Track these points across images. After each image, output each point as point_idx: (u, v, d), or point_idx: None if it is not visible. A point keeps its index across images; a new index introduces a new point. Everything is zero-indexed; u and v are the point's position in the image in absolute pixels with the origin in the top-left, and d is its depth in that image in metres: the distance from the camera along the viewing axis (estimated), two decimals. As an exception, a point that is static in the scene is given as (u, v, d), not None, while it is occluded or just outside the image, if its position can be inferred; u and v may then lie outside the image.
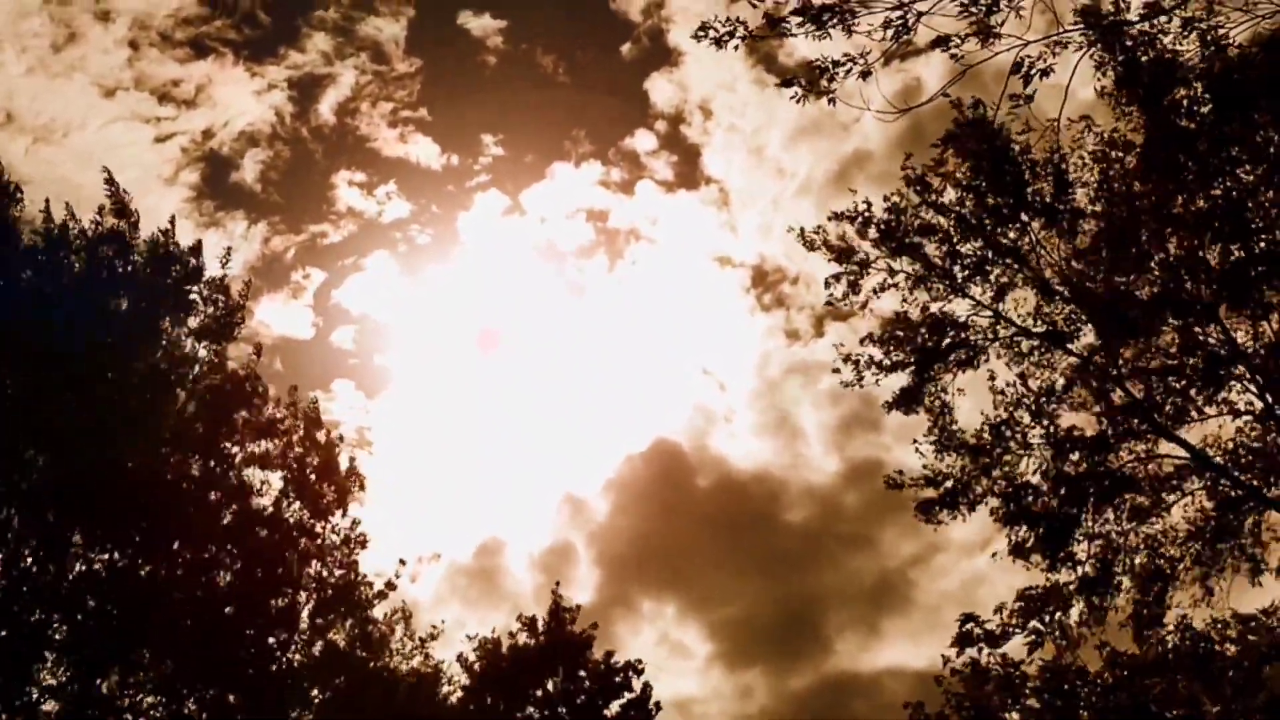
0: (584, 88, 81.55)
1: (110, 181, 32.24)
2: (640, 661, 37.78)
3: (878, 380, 34.40)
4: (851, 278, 34.54)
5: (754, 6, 23.19)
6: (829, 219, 34.78)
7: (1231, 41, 27.85)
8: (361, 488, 34.81)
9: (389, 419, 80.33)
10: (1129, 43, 29.64)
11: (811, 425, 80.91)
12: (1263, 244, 30.87)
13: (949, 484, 33.72)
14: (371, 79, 77.14)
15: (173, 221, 32.37)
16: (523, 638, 36.96)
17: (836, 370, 34.76)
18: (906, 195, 34.17)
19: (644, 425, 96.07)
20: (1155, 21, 27.16)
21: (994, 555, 33.28)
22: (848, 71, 22.83)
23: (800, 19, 22.50)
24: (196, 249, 32.74)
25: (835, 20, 23.28)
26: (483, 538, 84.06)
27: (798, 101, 22.85)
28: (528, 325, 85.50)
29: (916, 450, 34.08)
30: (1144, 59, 30.11)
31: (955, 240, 33.90)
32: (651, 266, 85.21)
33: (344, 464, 34.68)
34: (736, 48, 23.19)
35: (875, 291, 34.55)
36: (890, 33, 23.38)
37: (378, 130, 78.10)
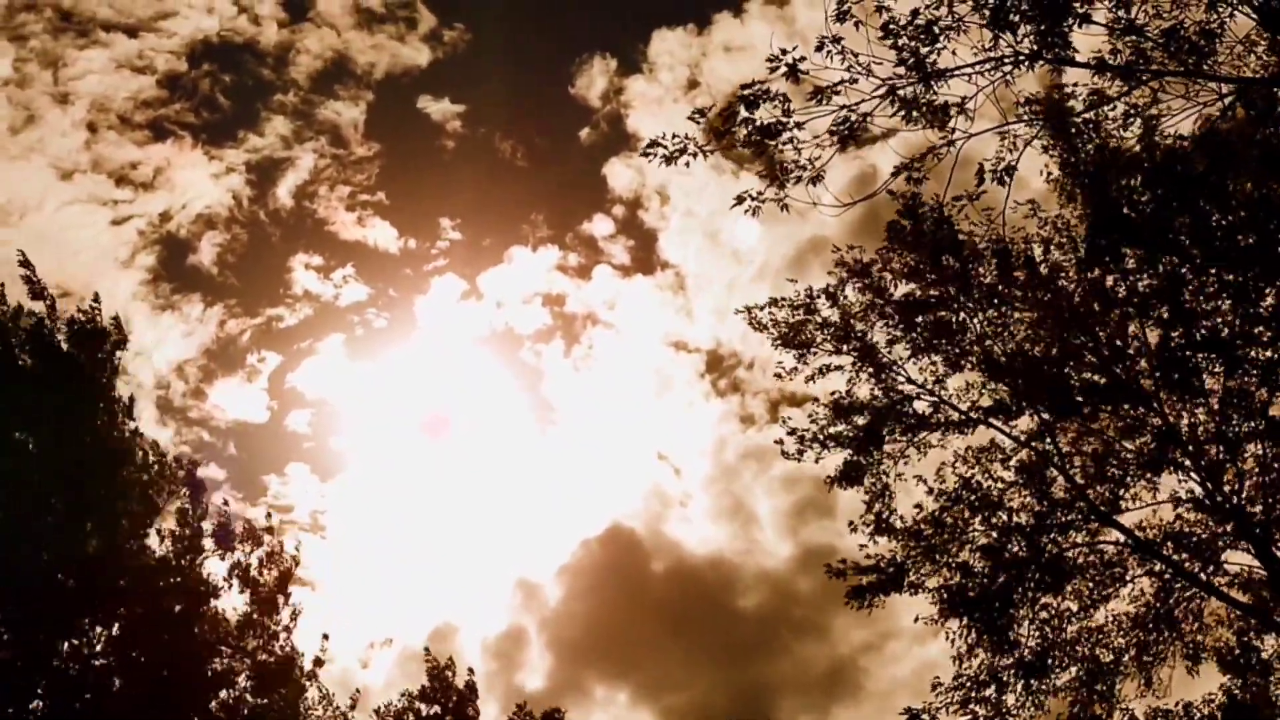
0: (542, 172, 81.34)
1: (25, 264, 30.94)
2: (558, 712, 36.06)
3: (818, 458, 33.79)
4: (798, 358, 34.08)
5: (696, 123, 23.51)
6: (770, 304, 34.30)
7: (1170, 133, 27.95)
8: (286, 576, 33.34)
9: (343, 503, 78.76)
10: (1073, 131, 29.07)
11: (766, 510, 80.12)
12: (1203, 330, 30.27)
13: (888, 569, 32.58)
14: (330, 162, 76.43)
15: (97, 299, 31.21)
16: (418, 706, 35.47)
17: (780, 442, 34.17)
18: (845, 284, 33.82)
19: (599, 510, 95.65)
20: (1099, 111, 27.02)
21: (950, 642, 32.22)
22: (797, 180, 23.22)
23: (746, 134, 23.02)
24: (118, 322, 31.48)
25: (780, 138, 23.63)
26: (435, 623, 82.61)
27: (750, 214, 23.09)
28: (484, 409, 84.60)
29: (852, 530, 33.29)
30: (1087, 148, 29.85)
31: (897, 326, 33.50)
32: (608, 351, 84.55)
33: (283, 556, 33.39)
34: (687, 164, 23.25)
35: (820, 372, 34.07)
36: (836, 137, 23.71)
37: (335, 213, 77.16)
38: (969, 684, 31.74)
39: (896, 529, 33.05)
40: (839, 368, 33.90)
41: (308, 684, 32.38)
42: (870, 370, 33.72)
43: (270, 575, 32.83)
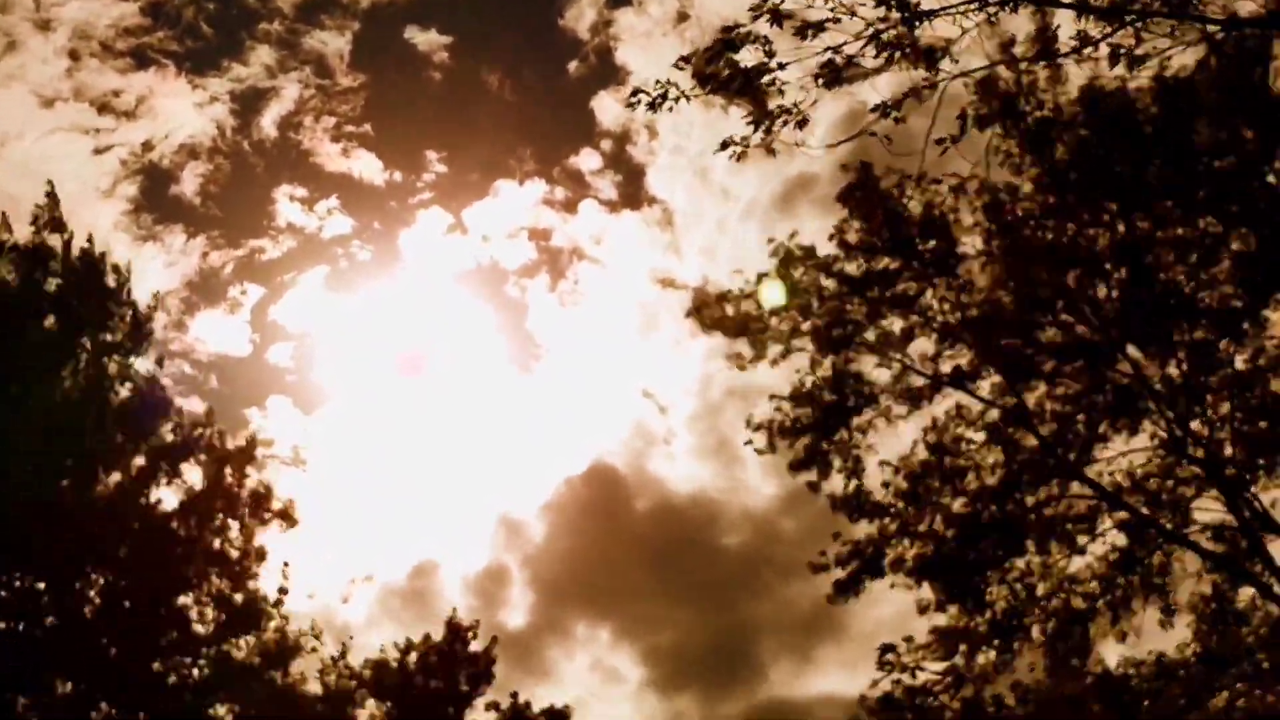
0: (530, 105, 79.86)
1: (51, 195, 30.30)
2: (568, 708, 35.08)
3: (790, 444, 32.75)
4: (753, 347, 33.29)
5: (680, 70, 23.03)
6: (719, 298, 33.44)
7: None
8: (289, 519, 32.11)
9: (325, 437, 77.14)
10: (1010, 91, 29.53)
11: (750, 449, 78.59)
12: (1163, 284, 30.02)
13: (867, 550, 31.97)
14: (315, 93, 74.65)
15: (90, 240, 30.41)
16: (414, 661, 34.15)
17: (749, 443, 33.28)
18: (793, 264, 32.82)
19: (583, 447, 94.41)
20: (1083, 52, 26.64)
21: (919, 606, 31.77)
22: (784, 124, 22.50)
23: (729, 76, 22.32)
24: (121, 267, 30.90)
25: (763, 79, 22.91)
26: (417, 559, 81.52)
27: (735, 159, 21.66)
28: (468, 344, 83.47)
29: (833, 506, 32.35)
30: (1030, 109, 29.89)
31: (852, 296, 32.58)
32: (594, 286, 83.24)
33: (258, 487, 32.15)
34: (670, 109, 21.90)
35: (777, 358, 33.25)
36: (820, 82, 22.99)
37: (320, 145, 75.54)
38: (946, 639, 31.27)
39: (871, 507, 32.24)
40: (798, 349, 32.99)
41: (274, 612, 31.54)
42: (830, 349, 32.66)
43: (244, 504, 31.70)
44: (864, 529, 32.35)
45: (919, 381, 32.44)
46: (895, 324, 32.58)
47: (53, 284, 29.92)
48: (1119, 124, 29.25)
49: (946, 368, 32.23)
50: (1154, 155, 29.30)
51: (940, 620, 31.29)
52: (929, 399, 32.66)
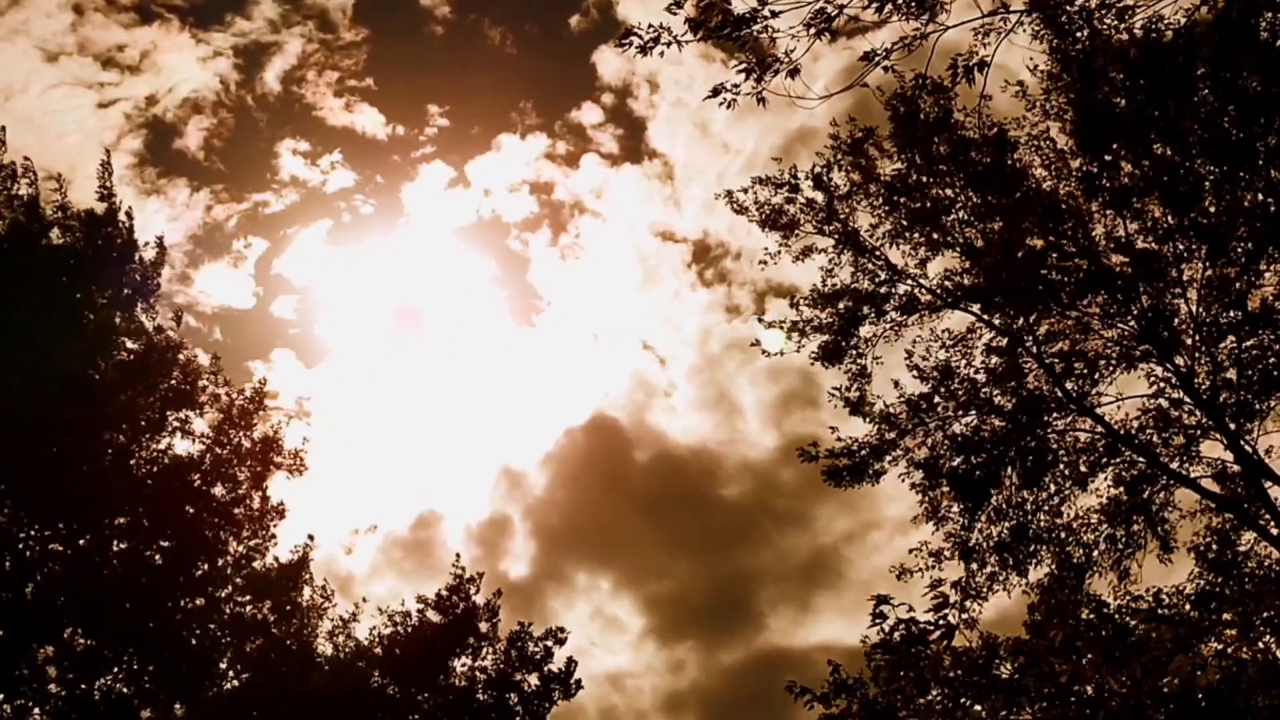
0: (531, 59, 79.62)
1: (106, 167, 30.42)
2: (562, 630, 35.22)
3: (800, 347, 32.96)
4: (782, 241, 33.09)
5: (673, 14, 22.42)
6: (755, 183, 33.14)
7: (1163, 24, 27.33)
8: (297, 468, 32.36)
9: (329, 389, 78.36)
10: (1063, 19, 28.44)
11: (750, 401, 79.24)
12: (1188, 218, 29.34)
13: (862, 452, 32.03)
14: (318, 47, 74.68)
15: (110, 182, 30.59)
16: (429, 614, 34.74)
17: (756, 343, 33.46)
18: (837, 160, 32.55)
19: (584, 399, 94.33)
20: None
21: (912, 551, 31.63)
22: (775, 73, 21.91)
23: (723, 29, 21.69)
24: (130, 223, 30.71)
25: (755, 27, 22.43)
26: (420, 510, 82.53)
27: (725, 106, 22.18)
28: (471, 296, 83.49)
29: (832, 398, 32.55)
30: (1077, 34, 28.92)
31: (882, 207, 32.41)
32: (595, 239, 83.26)
33: (266, 435, 32.27)
34: (662, 54, 21.82)
35: (803, 254, 33.17)
36: (811, 31, 22.51)
37: (323, 99, 75.64)
38: (942, 550, 31.55)
39: (872, 412, 32.35)
40: (822, 250, 33.03)
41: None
42: (851, 253, 32.75)
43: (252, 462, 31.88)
44: (861, 430, 32.44)
45: (933, 298, 32.34)
46: (920, 236, 32.30)
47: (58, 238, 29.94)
48: (1153, 64, 28.24)
49: (966, 282, 31.94)
50: (1182, 95, 28.53)
51: (934, 541, 31.53)
52: (941, 314, 32.52)
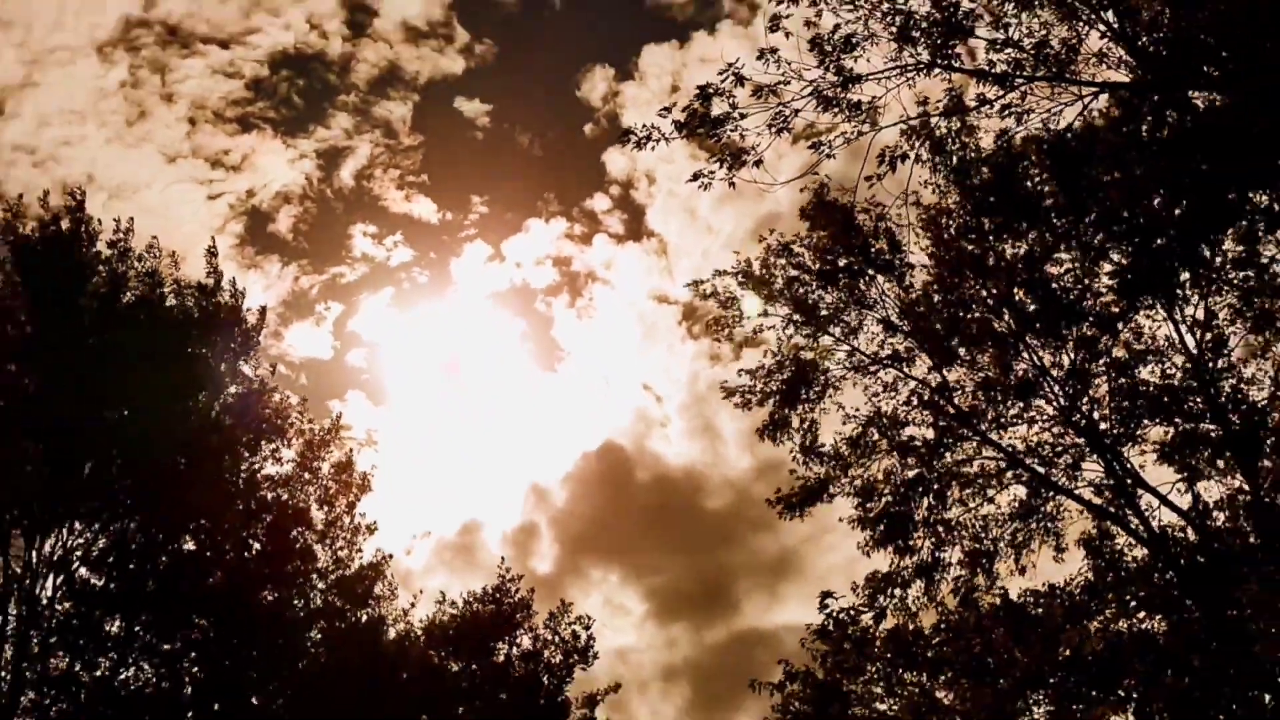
0: (553, 159, 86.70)
1: (212, 251, 34.74)
2: (588, 617, 38.29)
3: (756, 405, 36.01)
4: (731, 320, 36.25)
5: (662, 116, 25.99)
6: (714, 275, 36.15)
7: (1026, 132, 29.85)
8: (365, 486, 36.51)
9: (392, 423, 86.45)
10: (941, 134, 30.73)
11: (730, 431, 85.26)
12: (1056, 289, 32.73)
13: (811, 484, 34.82)
14: (383, 150, 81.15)
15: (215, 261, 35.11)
16: (476, 606, 38.30)
17: (729, 395, 36.23)
18: (772, 260, 35.76)
19: (596, 429, 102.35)
20: (981, 110, 29.32)
21: (861, 548, 34.48)
22: (744, 164, 26.07)
23: (702, 128, 25.96)
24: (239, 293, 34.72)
25: (728, 127, 26.20)
26: (465, 519, 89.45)
27: (702, 188, 26.22)
28: (505, 348, 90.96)
29: (793, 457, 35.42)
30: (956, 149, 31.54)
31: (815, 290, 35.43)
32: (605, 302, 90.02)
33: (343, 460, 36.58)
34: (653, 149, 25.90)
35: (755, 332, 36.03)
36: (773, 130, 26.36)
37: (387, 191, 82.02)
38: (876, 582, 34.03)
39: (823, 454, 34.92)
40: (770, 327, 35.61)
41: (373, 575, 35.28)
42: (795, 326, 35.57)
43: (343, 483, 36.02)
44: (814, 470, 34.98)
45: (863, 360, 35.07)
46: (849, 314, 35.03)
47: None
48: (1026, 161, 31.76)
49: (885, 352, 34.82)
50: (1049, 186, 31.72)
51: (877, 562, 33.64)
52: (872, 374, 35.16)
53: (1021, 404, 33.64)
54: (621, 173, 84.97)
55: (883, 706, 33.77)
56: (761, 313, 35.88)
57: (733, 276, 36.15)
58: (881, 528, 34.29)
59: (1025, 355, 33.42)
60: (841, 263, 35.11)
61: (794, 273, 35.59)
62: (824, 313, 35.52)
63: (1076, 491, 33.35)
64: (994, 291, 33.69)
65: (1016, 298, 33.25)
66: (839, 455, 34.91)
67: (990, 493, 34.24)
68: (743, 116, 26.39)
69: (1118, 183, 30.60)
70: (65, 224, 32.49)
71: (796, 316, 35.47)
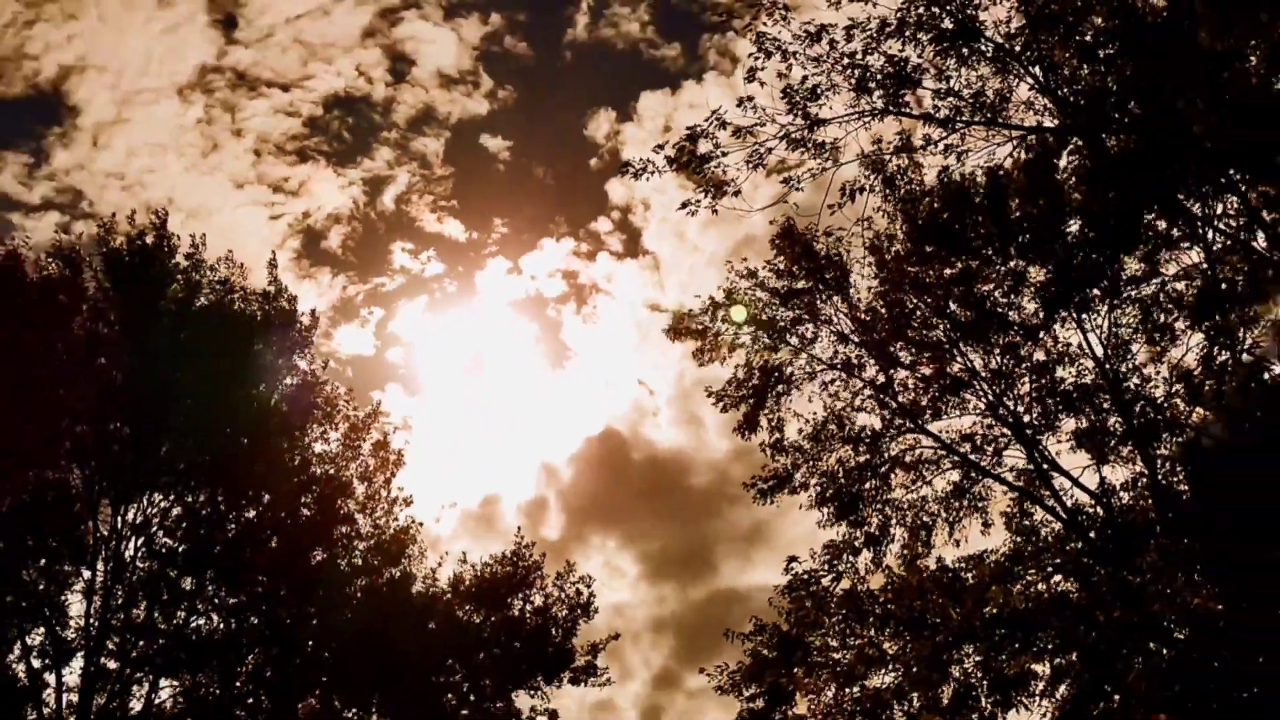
0: (563, 187, 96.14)
1: (273, 263, 38.23)
2: (590, 577, 41.23)
3: (734, 407, 39.14)
4: (709, 349, 39.15)
5: (656, 152, 29.68)
6: (686, 313, 39.32)
7: (970, 167, 33.55)
8: (399, 462, 39.96)
9: (424, 410, 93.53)
10: (892, 170, 35.27)
11: (711, 421, 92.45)
12: (986, 304, 35.83)
13: (782, 474, 37.91)
14: (419, 179, 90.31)
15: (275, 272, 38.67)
16: (494, 568, 41.99)
17: (711, 399, 39.14)
18: (738, 283, 38.88)
19: (598, 417, 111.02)
20: (927, 149, 32.20)
21: (820, 524, 37.36)
22: (724, 194, 30.05)
23: (690, 163, 29.70)
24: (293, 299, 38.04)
25: (712, 163, 30.06)
26: (485, 492, 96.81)
27: (690, 214, 29.80)
28: (521, 348, 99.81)
29: (762, 449, 38.45)
30: (905, 182, 35.84)
31: (777, 309, 38.45)
32: (606, 310, 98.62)
33: (381, 440, 40.14)
34: (648, 179, 29.72)
35: (728, 351, 39.01)
36: (749, 165, 29.95)
37: (423, 214, 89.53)
38: (833, 550, 37.07)
39: (787, 448, 37.98)
40: (741, 345, 38.67)
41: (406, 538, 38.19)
42: (762, 343, 38.56)
43: (380, 458, 39.39)
44: (781, 463, 37.75)
45: (819, 367, 38.10)
46: (807, 328, 37.99)
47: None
48: (962, 195, 34.74)
49: (839, 360, 37.84)
50: (981, 216, 34.86)
51: (833, 534, 36.78)
52: (827, 380, 38.14)
53: (955, 400, 36.47)
54: (621, 200, 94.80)
55: (837, 655, 36.74)
56: (732, 334, 38.97)
57: (704, 314, 39.22)
58: (835, 506, 37.11)
59: (959, 359, 36.19)
60: (799, 285, 38.14)
61: (760, 294, 38.63)
62: (783, 325, 38.38)
63: (1002, 475, 36.03)
64: (932, 305, 36.48)
65: (951, 310, 35.97)
66: (800, 449, 37.76)
67: (928, 476, 36.91)
68: (724, 154, 29.88)
69: (1037, 214, 33.70)
70: (149, 239, 35.99)
71: (761, 334, 38.47)
